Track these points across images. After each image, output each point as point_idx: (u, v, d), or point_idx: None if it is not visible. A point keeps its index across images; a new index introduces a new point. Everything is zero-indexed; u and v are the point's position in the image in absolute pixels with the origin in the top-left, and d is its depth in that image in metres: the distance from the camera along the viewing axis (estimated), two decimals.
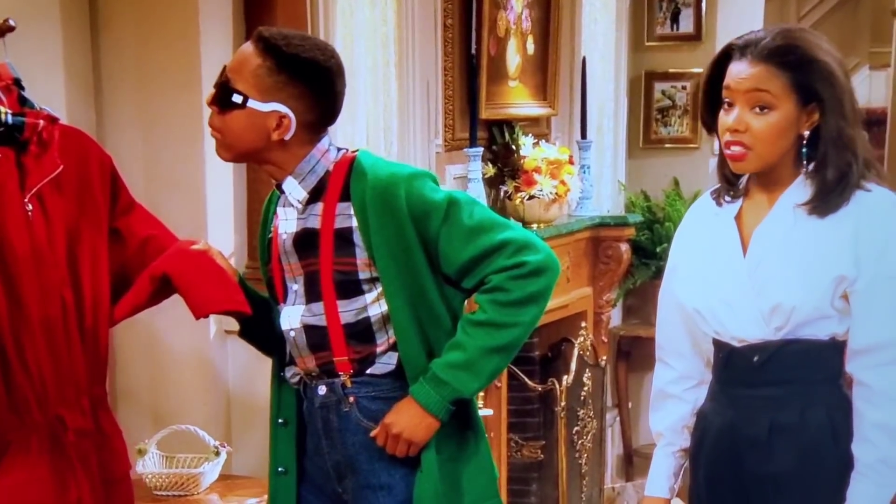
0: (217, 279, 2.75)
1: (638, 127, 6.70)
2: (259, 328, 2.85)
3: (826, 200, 2.50)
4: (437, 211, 2.57)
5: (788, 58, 2.48)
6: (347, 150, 2.71)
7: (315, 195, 2.65)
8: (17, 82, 2.73)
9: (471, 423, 2.74)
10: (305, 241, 2.64)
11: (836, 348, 2.55)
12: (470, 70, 4.81)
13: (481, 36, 4.89)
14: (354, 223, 2.60)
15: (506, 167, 5.13)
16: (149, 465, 3.72)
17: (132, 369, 3.96)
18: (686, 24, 6.58)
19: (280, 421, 2.80)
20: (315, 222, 2.63)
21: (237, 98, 2.56)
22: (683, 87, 6.61)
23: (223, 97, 2.58)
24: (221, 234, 3.90)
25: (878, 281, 2.47)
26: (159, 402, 3.96)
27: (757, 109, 2.51)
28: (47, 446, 2.68)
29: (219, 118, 2.61)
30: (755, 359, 2.57)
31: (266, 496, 3.62)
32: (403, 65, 4.42)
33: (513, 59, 5.26)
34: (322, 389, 2.69)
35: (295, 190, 2.65)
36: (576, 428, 5.15)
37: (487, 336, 2.59)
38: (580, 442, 5.20)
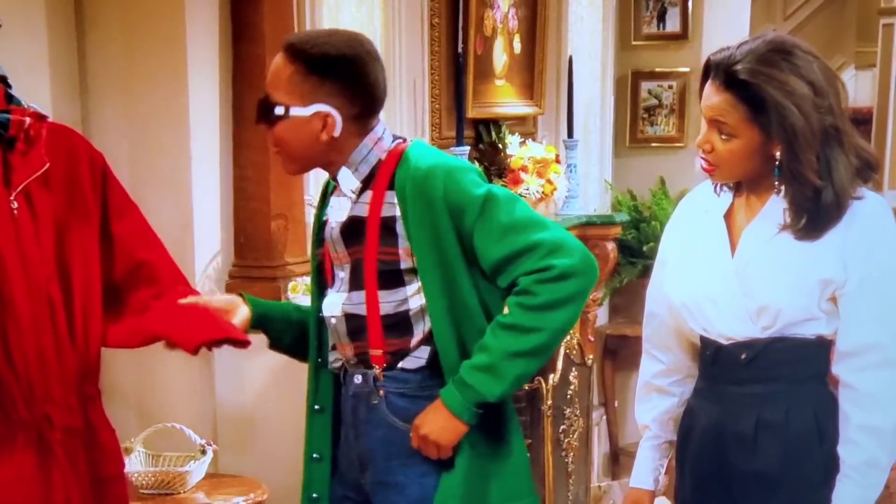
0: (206, 319, 2.75)
1: (624, 126, 6.70)
2: (281, 340, 2.87)
3: (811, 225, 2.50)
4: (473, 205, 2.57)
5: (747, 93, 2.47)
6: (404, 139, 2.73)
7: (367, 183, 2.66)
8: (3, 79, 2.72)
9: (503, 423, 2.73)
10: (353, 228, 2.66)
11: (822, 347, 2.55)
12: (457, 69, 4.81)
13: (468, 35, 4.89)
14: (398, 212, 2.61)
15: (492, 166, 5.13)
16: (135, 464, 3.71)
17: (118, 367, 3.94)
18: (672, 24, 6.58)
19: (316, 408, 2.80)
20: (363, 210, 2.65)
21: (279, 110, 2.60)
22: (670, 87, 6.61)
23: (265, 112, 2.62)
24: (207, 232, 3.89)
25: (866, 284, 2.48)
26: (145, 401, 3.95)
27: (722, 135, 2.52)
28: (34, 444, 2.67)
29: (272, 134, 2.65)
30: (742, 356, 2.58)
31: (253, 494, 3.64)
32: (390, 63, 4.41)
33: (499, 58, 5.26)
34: (358, 378, 2.70)
35: (348, 180, 2.67)
36: (562, 426, 5.15)
37: (512, 339, 2.57)
38: (566, 440, 5.19)
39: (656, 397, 2.80)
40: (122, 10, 3.83)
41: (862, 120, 9.33)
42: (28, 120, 2.68)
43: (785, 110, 2.44)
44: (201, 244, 3.88)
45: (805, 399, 2.56)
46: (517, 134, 5.27)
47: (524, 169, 5.04)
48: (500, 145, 5.14)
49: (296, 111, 2.59)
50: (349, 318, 2.67)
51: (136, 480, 3.65)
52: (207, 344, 2.74)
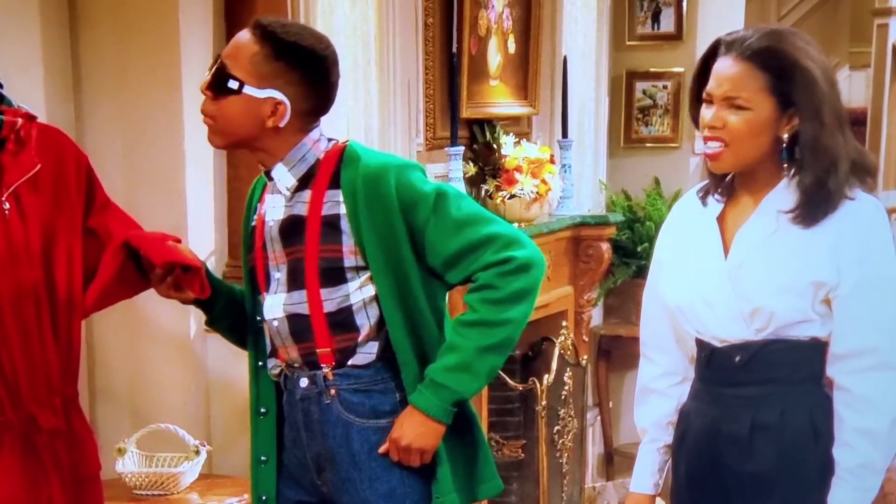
0: (177, 253, 2.76)
1: (619, 126, 6.70)
2: (224, 318, 2.87)
3: (810, 210, 2.50)
4: (426, 201, 2.59)
5: (770, 61, 2.47)
6: (337, 140, 2.72)
7: (303, 183, 2.66)
8: None
9: (466, 413, 2.75)
10: (291, 228, 2.65)
11: (817, 348, 2.55)
12: (451, 69, 4.81)
13: (462, 35, 4.88)
14: (343, 210, 2.61)
15: (487, 166, 5.13)
16: (128, 465, 3.71)
17: (111, 368, 3.94)
18: (667, 24, 6.58)
19: (262, 411, 2.81)
20: (302, 209, 2.64)
21: (233, 84, 2.58)
22: (664, 87, 6.61)
23: (219, 83, 2.59)
24: (201, 233, 3.89)
25: (861, 287, 2.47)
26: (139, 401, 3.95)
27: (734, 108, 2.51)
28: (20, 446, 2.67)
29: (213, 104, 2.62)
30: (737, 359, 2.57)
31: (246, 495, 3.63)
32: (384, 63, 4.41)
33: (494, 58, 5.25)
34: (304, 381, 2.70)
35: (284, 177, 2.65)
36: (556, 427, 5.15)
37: (481, 335, 2.60)
38: (561, 441, 5.20)
39: (654, 400, 2.80)
40: (116, 10, 3.83)
41: (856, 121, 9.34)
42: (19, 121, 2.68)
43: (812, 77, 2.46)
44: (195, 244, 3.86)
45: (800, 400, 2.56)
46: (511, 134, 5.27)
47: (518, 169, 5.04)
48: (495, 146, 5.14)
49: (249, 90, 2.57)
50: (292, 318, 2.66)
51: (130, 481, 3.65)
52: (175, 264, 2.71)
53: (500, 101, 5.35)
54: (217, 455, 3.91)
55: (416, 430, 2.62)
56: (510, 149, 5.14)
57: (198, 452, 3.73)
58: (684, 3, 6.53)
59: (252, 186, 2.83)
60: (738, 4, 6.72)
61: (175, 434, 3.74)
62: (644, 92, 6.67)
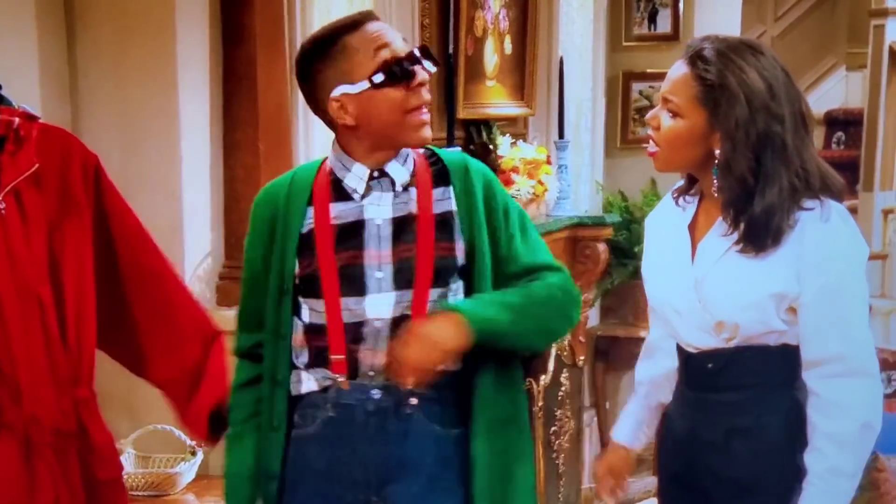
0: None
1: (615, 127, 6.71)
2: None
3: (751, 240, 2.48)
4: (510, 211, 2.65)
5: (704, 73, 2.47)
6: None
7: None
8: None
9: (521, 423, 2.66)
10: (403, 225, 2.57)
11: (789, 354, 2.54)
12: (447, 69, 4.81)
13: (459, 36, 4.89)
14: (454, 207, 2.58)
15: None
16: (125, 466, 3.70)
17: (108, 368, 3.92)
18: (663, 25, 6.59)
19: (278, 379, 2.62)
20: (413, 206, 2.58)
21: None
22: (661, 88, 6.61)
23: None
24: (198, 234, 3.88)
25: (822, 296, 2.46)
26: (135, 402, 3.93)
27: (669, 112, 2.53)
28: (20, 446, 2.66)
29: None
30: (709, 366, 2.59)
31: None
32: None
33: (490, 59, 5.26)
34: (376, 393, 2.55)
35: (399, 173, 2.59)
36: (553, 428, 5.15)
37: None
38: (557, 442, 5.20)
39: (658, 356, 2.79)
40: (113, 12, 3.83)
41: (853, 121, 9.33)
42: (17, 120, 2.67)
43: (735, 97, 2.45)
44: (191, 245, 3.87)
45: (774, 405, 2.57)
46: (508, 135, 5.27)
47: (515, 170, 5.05)
48: (491, 146, 5.15)
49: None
50: (397, 320, 2.53)
51: (127, 482, 3.63)
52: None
53: (496, 101, 5.35)
54: (214, 456, 3.90)
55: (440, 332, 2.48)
56: (507, 149, 5.14)
57: (194, 453, 3.73)
58: (681, 4, 6.54)
59: (287, 191, 2.65)
60: (735, 5, 6.72)
61: (171, 435, 3.73)
62: (640, 93, 6.68)
